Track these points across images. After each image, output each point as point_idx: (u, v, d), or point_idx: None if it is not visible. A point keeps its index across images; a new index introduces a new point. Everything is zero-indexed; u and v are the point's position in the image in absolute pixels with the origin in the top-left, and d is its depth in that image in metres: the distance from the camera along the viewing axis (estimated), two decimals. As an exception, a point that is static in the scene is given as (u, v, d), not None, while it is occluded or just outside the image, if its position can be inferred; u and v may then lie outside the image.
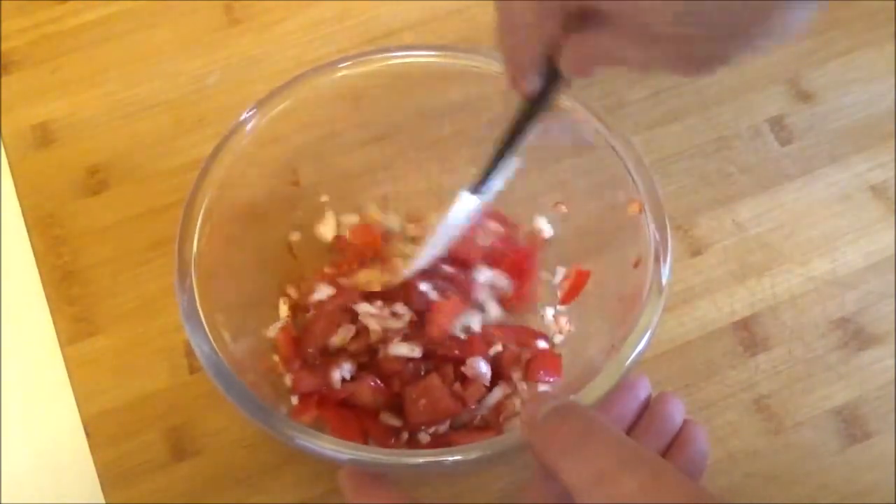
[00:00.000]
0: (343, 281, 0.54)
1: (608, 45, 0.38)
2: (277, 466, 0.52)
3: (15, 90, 0.65)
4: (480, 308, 0.53)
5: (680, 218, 0.59)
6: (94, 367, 0.55)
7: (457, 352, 0.51)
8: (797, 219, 0.59)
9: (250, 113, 0.52)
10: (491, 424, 0.51)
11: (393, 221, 0.58)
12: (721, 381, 0.54)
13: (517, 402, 0.52)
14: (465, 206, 0.49)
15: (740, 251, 0.58)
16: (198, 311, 0.47)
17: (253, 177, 0.52)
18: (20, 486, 0.52)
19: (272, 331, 0.53)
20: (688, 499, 0.35)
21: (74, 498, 0.52)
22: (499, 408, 0.51)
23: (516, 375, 0.52)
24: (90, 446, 0.53)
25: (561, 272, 0.56)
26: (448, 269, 0.53)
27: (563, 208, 0.56)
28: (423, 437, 0.50)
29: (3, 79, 0.66)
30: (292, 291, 0.55)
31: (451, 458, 0.42)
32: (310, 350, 0.51)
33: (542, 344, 0.53)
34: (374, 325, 0.51)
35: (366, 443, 0.49)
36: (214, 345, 0.46)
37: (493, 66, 0.53)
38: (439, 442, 0.50)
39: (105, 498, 0.52)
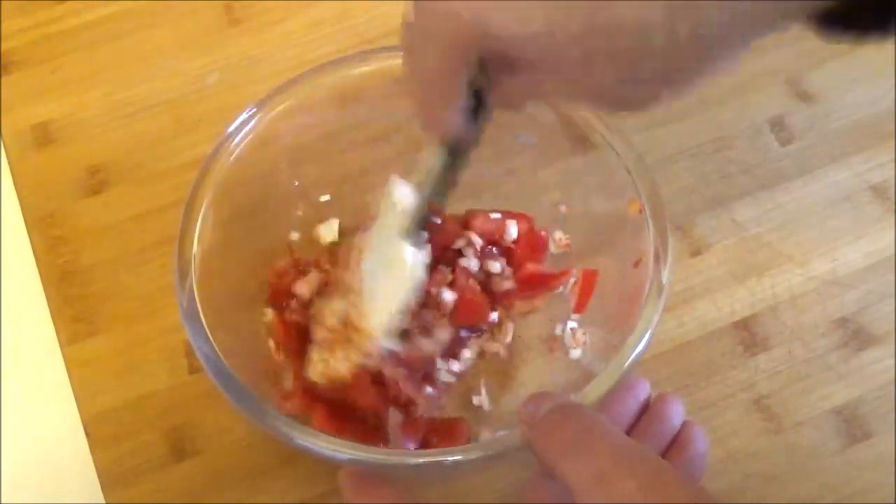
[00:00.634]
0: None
1: (531, 84, 0.38)
2: (277, 466, 0.52)
3: (15, 90, 0.65)
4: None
5: (680, 218, 0.59)
6: (94, 367, 0.55)
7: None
8: (797, 219, 0.59)
9: (250, 113, 0.52)
10: None
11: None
12: (721, 381, 0.54)
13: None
14: (416, 262, 0.48)
15: (740, 251, 0.58)
16: (198, 311, 0.47)
17: (253, 177, 0.52)
18: (20, 486, 0.52)
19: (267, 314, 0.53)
20: (688, 499, 0.35)
21: (74, 498, 0.52)
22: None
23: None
24: (90, 446, 0.53)
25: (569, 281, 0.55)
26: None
27: (563, 208, 0.56)
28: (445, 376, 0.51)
29: (3, 79, 0.66)
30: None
31: (451, 458, 0.42)
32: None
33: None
34: None
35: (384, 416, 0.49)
36: (214, 345, 0.46)
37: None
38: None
39: (105, 498, 0.52)
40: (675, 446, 0.45)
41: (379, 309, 0.48)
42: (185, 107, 0.64)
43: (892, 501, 0.51)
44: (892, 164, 0.61)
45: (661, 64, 0.34)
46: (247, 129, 0.52)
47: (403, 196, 0.47)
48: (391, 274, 0.48)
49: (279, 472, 0.52)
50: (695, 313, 0.56)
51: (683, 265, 0.58)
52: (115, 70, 0.66)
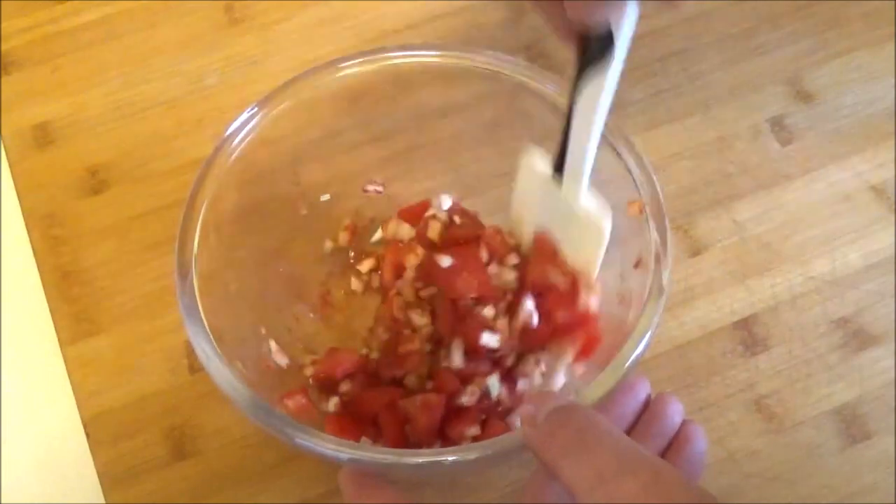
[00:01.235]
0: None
1: None
2: (277, 466, 0.52)
3: (15, 90, 0.65)
4: None
5: (680, 218, 0.59)
6: (94, 367, 0.55)
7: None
8: (797, 219, 0.59)
9: (250, 113, 0.52)
10: None
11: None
12: (721, 381, 0.54)
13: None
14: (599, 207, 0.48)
15: (740, 251, 0.58)
16: (198, 311, 0.47)
17: (253, 177, 0.52)
18: (20, 486, 0.52)
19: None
20: (688, 499, 0.35)
21: (74, 498, 0.52)
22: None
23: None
24: (90, 446, 0.53)
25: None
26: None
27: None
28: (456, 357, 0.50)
29: (3, 79, 0.66)
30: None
31: (450, 458, 0.42)
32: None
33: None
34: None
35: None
36: (214, 345, 0.46)
37: (493, 65, 0.53)
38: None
39: (105, 498, 0.52)
40: (674, 445, 0.45)
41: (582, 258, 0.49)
42: (185, 107, 0.64)
43: (892, 501, 0.51)
44: (892, 164, 0.61)
45: None
46: (247, 129, 0.52)
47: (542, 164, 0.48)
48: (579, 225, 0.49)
49: (279, 472, 0.52)
50: (695, 313, 0.56)
51: (683, 265, 0.58)
52: (115, 70, 0.66)
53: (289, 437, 0.43)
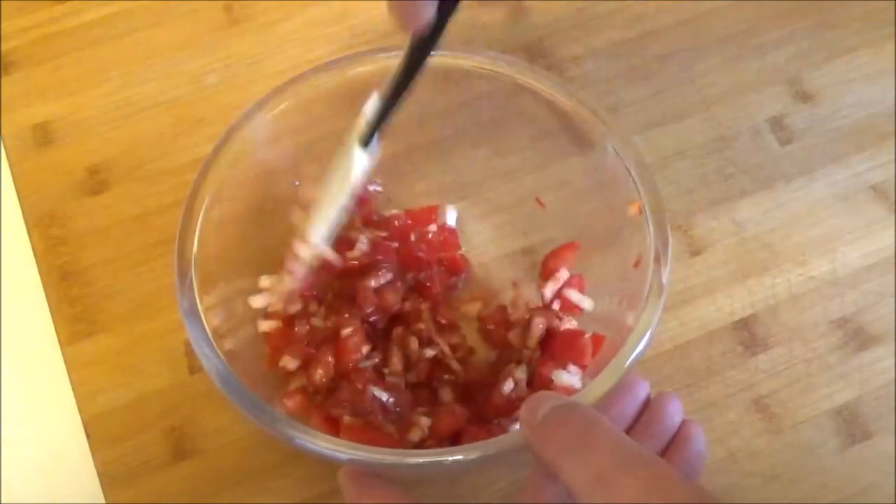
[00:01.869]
0: None
1: None
2: (277, 466, 0.52)
3: (15, 90, 0.65)
4: None
5: (680, 218, 0.59)
6: (94, 367, 0.55)
7: None
8: (797, 219, 0.59)
9: (250, 113, 0.52)
10: None
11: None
12: (721, 381, 0.54)
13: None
14: (358, 163, 0.49)
15: (740, 251, 0.58)
16: (198, 311, 0.47)
17: (253, 176, 0.52)
18: (20, 486, 0.52)
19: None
20: (688, 499, 0.35)
21: (74, 498, 0.52)
22: None
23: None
24: (90, 446, 0.53)
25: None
26: None
27: (563, 208, 0.56)
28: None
29: (3, 79, 0.66)
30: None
31: (450, 458, 0.42)
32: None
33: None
34: None
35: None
36: (214, 345, 0.46)
37: (492, 65, 0.53)
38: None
39: (105, 498, 0.52)
40: (673, 445, 0.45)
41: (317, 213, 0.50)
42: (185, 107, 0.64)
43: (892, 501, 0.51)
44: (892, 164, 0.61)
45: None
46: (247, 129, 0.52)
47: (369, 106, 0.48)
48: (336, 178, 0.49)
49: (279, 471, 0.52)
50: (695, 313, 0.56)
51: (683, 265, 0.58)
52: (115, 70, 0.66)
53: (289, 437, 0.43)
